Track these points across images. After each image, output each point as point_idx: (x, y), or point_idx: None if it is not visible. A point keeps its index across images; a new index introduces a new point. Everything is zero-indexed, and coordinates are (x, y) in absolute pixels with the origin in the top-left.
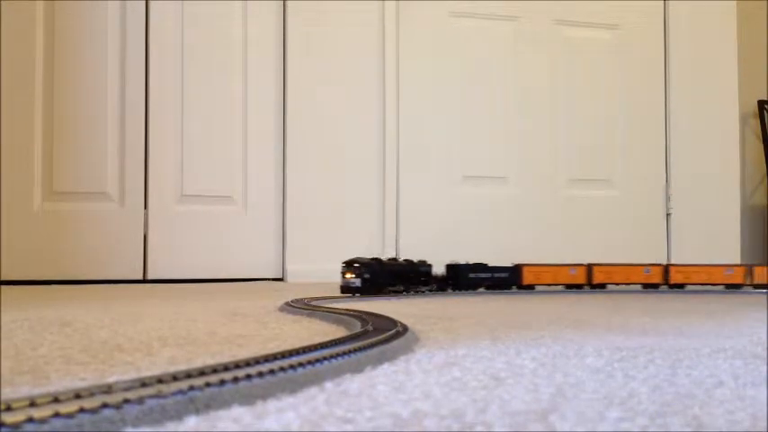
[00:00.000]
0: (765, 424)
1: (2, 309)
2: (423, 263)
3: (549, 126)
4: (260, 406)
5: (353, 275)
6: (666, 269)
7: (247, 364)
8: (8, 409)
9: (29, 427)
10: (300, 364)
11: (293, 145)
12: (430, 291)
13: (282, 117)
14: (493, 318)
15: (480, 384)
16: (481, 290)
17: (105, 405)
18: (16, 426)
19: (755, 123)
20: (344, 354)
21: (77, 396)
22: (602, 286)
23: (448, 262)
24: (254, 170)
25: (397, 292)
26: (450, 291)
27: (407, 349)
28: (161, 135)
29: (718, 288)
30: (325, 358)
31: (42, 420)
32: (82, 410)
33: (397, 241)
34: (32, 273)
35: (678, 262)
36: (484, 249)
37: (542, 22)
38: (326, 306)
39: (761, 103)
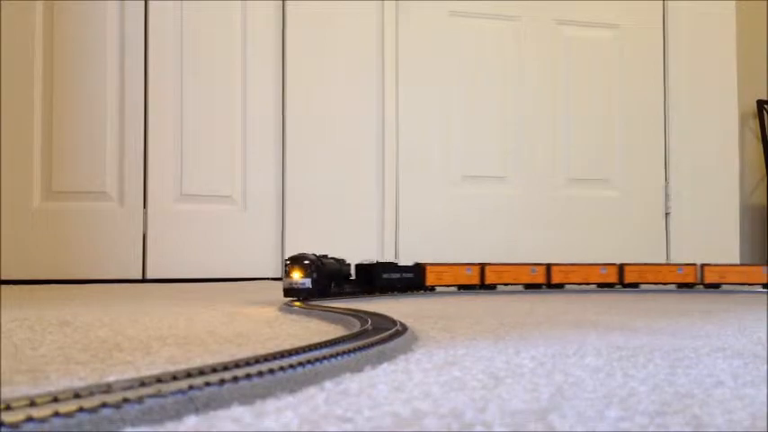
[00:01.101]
0: (765, 424)
1: (1, 308)
2: (343, 261)
3: (549, 125)
4: (259, 405)
5: (303, 275)
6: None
7: (247, 363)
8: (8, 408)
9: (28, 426)
10: (300, 364)
11: (292, 144)
12: (350, 293)
13: (282, 116)
14: (492, 317)
15: (480, 384)
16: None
17: (105, 404)
18: (16, 425)
19: (755, 123)
20: (344, 353)
21: (77, 395)
22: (492, 287)
23: (358, 261)
24: (254, 170)
25: (340, 295)
26: (362, 295)
27: (407, 349)
28: (160, 134)
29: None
30: (324, 357)
31: (42, 420)
32: (81, 410)
33: (396, 241)
34: (32, 272)
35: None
36: (483, 249)
37: (542, 22)
38: (325, 305)
39: (760, 103)
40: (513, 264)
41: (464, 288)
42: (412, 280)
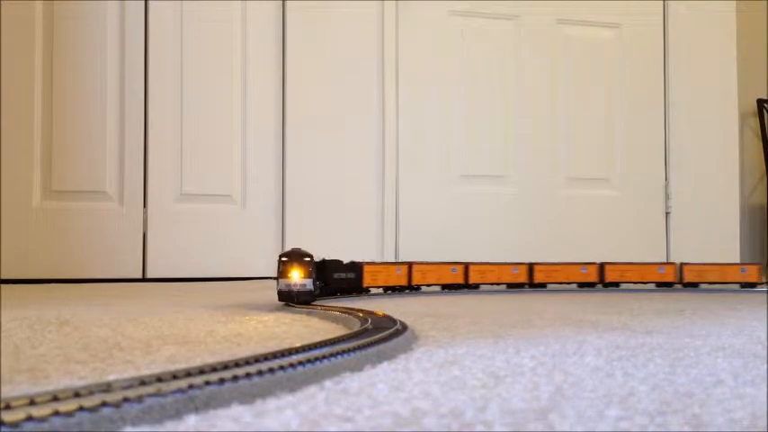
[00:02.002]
0: (765, 423)
1: (1, 307)
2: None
3: (549, 125)
4: (259, 404)
5: (304, 274)
6: (602, 267)
7: (247, 362)
8: (8, 407)
9: (28, 425)
10: (300, 363)
11: (292, 144)
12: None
13: (281, 116)
14: (492, 316)
15: (480, 383)
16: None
17: (105, 404)
18: (16, 424)
19: (755, 122)
20: (344, 352)
21: (77, 395)
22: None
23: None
24: (254, 169)
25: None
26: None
27: (407, 348)
28: (160, 134)
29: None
30: (324, 357)
31: (42, 419)
32: (81, 409)
33: (396, 240)
34: (31, 271)
35: (675, 261)
36: (483, 248)
37: (542, 21)
38: (326, 304)
39: (760, 102)
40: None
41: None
42: (351, 280)
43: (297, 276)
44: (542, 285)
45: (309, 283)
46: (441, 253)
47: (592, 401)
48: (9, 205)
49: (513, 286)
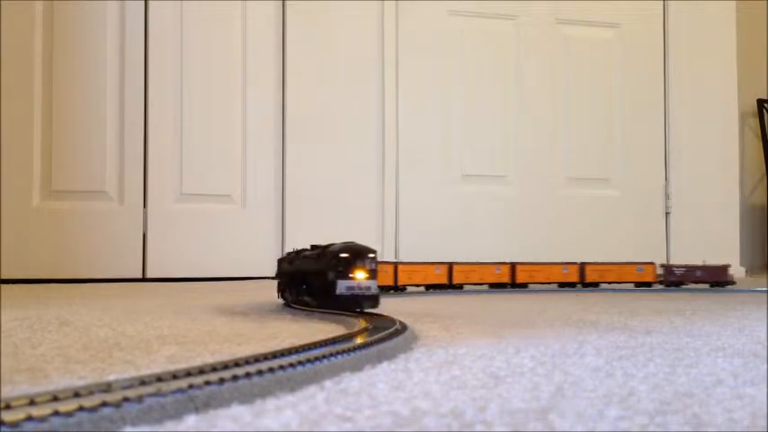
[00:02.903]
0: (765, 423)
1: (1, 307)
2: None
3: (549, 125)
4: (259, 404)
5: (368, 275)
6: (582, 267)
7: (247, 362)
8: (8, 407)
9: (28, 425)
10: (300, 363)
11: (292, 144)
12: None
13: (281, 116)
14: (492, 316)
15: (480, 383)
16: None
17: (104, 403)
18: (16, 424)
19: (755, 122)
20: (344, 352)
21: (77, 394)
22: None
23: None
24: (254, 169)
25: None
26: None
27: (407, 348)
28: (160, 134)
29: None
30: (324, 356)
31: (42, 419)
32: (81, 409)
33: (396, 240)
34: (31, 271)
35: (676, 261)
36: (483, 248)
37: (542, 21)
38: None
39: (760, 102)
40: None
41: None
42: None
43: (361, 277)
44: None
45: (374, 285)
46: (441, 253)
47: (592, 401)
48: (9, 205)
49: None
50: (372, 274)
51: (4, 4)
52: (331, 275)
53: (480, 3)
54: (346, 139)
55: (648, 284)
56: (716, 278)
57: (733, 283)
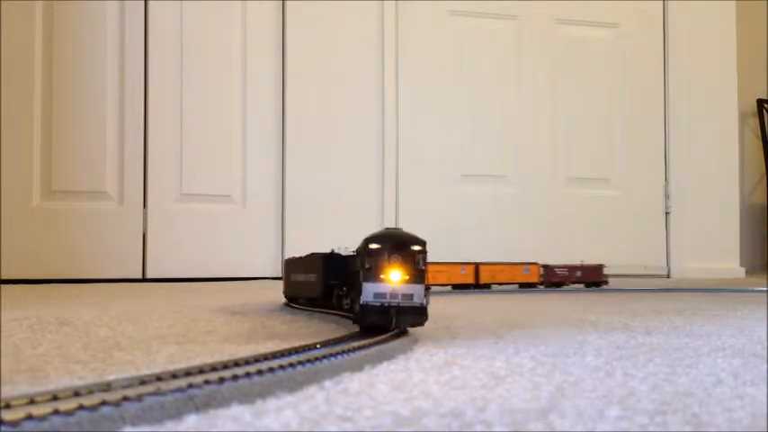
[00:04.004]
0: (765, 423)
1: (1, 307)
2: None
3: (549, 125)
4: (259, 404)
5: (411, 277)
6: (477, 268)
7: (246, 362)
8: (7, 406)
9: (28, 424)
10: (300, 363)
11: (292, 144)
12: None
13: (281, 116)
14: (492, 316)
15: (480, 383)
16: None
17: (104, 403)
18: (16, 423)
19: (754, 122)
20: (344, 352)
21: (77, 394)
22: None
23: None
24: (253, 169)
25: None
26: None
27: (407, 348)
28: (160, 134)
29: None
30: (324, 357)
31: (42, 418)
32: (81, 408)
33: None
34: (31, 272)
35: (675, 261)
36: (483, 248)
37: (542, 21)
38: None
39: (760, 102)
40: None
41: None
42: None
43: (397, 279)
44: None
45: (420, 293)
46: (441, 253)
47: (592, 401)
48: (9, 205)
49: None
50: (417, 276)
51: (4, 4)
52: (360, 276)
53: (480, 3)
54: (346, 139)
55: (533, 285)
56: (592, 278)
57: (606, 283)
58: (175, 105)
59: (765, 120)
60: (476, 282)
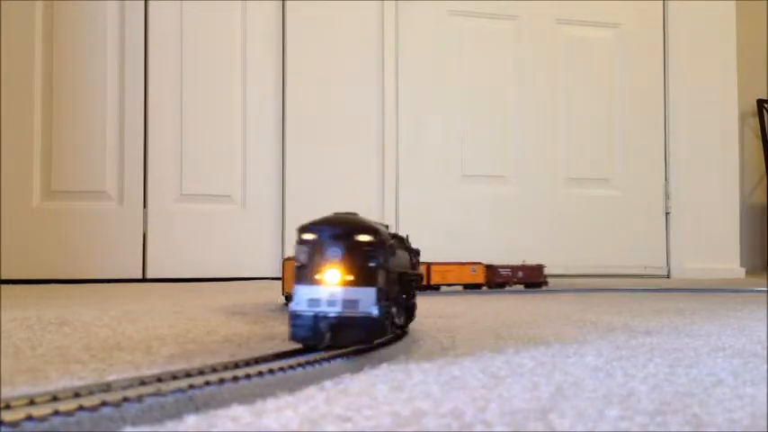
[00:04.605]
0: (765, 423)
1: (1, 308)
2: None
3: (549, 125)
4: (259, 405)
5: (358, 278)
6: (429, 268)
7: (247, 363)
8: (8, 407)
9: (28, 425)
10: (300, 365)
11: (292, 144)
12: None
13: (281, 116)
14: (492, 316)
15: (480, 383)
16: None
17: (104, 403)
18: (16, 424)
19: (755, 122)
20: (344, 354)
21: (77, 395)
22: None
23: None
24: (253, 169)
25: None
26: None
27: (407, 348)
28: (160, 134)
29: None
30: (324, 359)
31: (42, 418)
32: (81, 409)
33: None
34: (31, 272)
35: (675, 261)
36: (484, 248)
37: (542, 21)
38: None
39: (760, 102)
40: None
41: None
42: None
43: (335, 280)
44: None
45: (370, 299)
46: (441, 253)
47: (592, 401)
48: (9, 205)
49: None
50: (366, 277)
51: (4, 4)
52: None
53: (480, 3)
54: (346, 138)
55: (479, 286)
56: (532, 279)
57: (546, 284)
58: (175, 105)
59: (765, 120)
60: (427, 283)
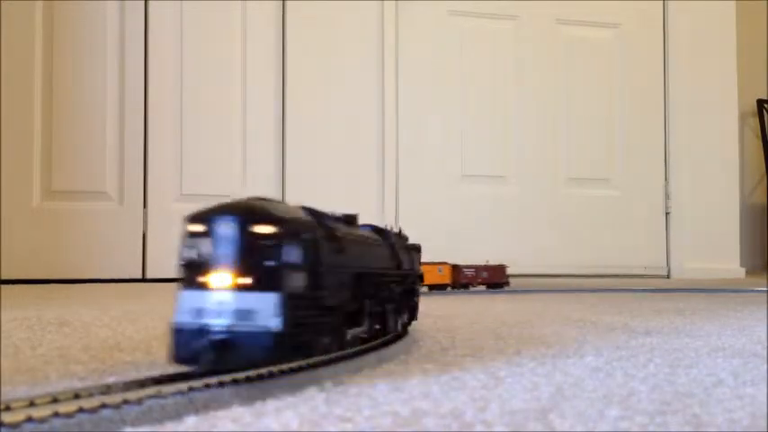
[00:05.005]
0: (765, 423)
1: (1, 308)
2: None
3: (549, 125)
4: (259, 405)
5: (260, 279)
6: (455, 269)
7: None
8: (8, 408)
9: (28, 426)
10: (300, 368)
11: (292, 144)
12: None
13: (281, 116)
14: (491, 317)
15: (480, 383)
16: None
17: (104, 405)
18: (16, 425)
19: (755, 122)
20: (344, 353)
21: (77, 396)
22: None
23: None
24: (253, 169)
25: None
26: None
27: (406, 348)
28: (160, 134)
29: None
30: (323, 363)
31: (42, 420)
32: (81, 410)
33: None
34: (31, 272)
35: (675, 261)
36: (484, 248)
37: (542, 21)
38: None
39: (760, 103)
40: None
41: None
42: None
43: (225, 282)
44: None
45: (269, 307)
46: (441, 253)
47: (592, 402)
48: (9, 205)
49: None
50: (265, 279)
51: (4, 4)
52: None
53: (480, 3)
54: (346, 139)
55: (444, 287)
56: (495, 279)
57: (507, 284)
58: (175, 105)
59: (765, 120)
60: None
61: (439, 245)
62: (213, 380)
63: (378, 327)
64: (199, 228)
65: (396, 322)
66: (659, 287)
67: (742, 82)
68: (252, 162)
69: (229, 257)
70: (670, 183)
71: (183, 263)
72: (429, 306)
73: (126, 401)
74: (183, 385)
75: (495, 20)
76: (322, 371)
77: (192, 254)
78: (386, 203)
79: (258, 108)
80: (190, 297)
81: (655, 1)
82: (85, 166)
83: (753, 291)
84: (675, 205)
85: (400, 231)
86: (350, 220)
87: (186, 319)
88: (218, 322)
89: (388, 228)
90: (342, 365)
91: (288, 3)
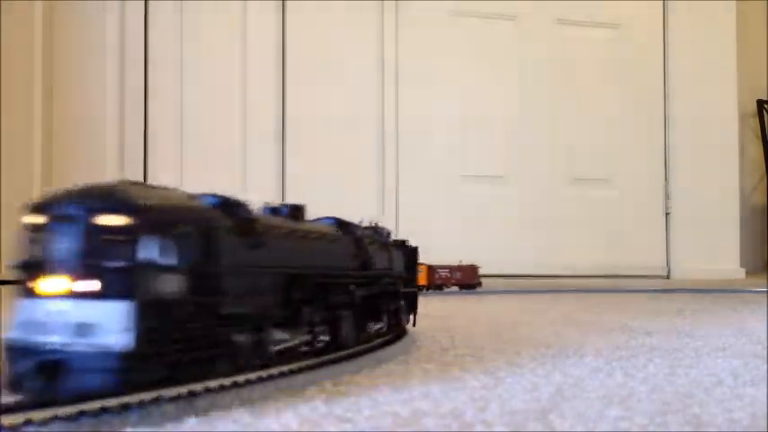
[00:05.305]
0: (765, 423)
1: (1, 308)
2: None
3: (549, 125)
4: (259, 406)
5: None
6: (430, 269)
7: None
8: (8, 410)
9: (28, 429)
10: (300, 369)
11: (292, 144)
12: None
13: (282, 117)
14: (490, 317)
15: (480, 383)
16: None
17: (105, 409)
18: (16, 428)
19: (755, 122)
20: (344, 356)
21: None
22: None
23: None
24: (253, 169)
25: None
26: None
27: (406, 348)
28: (160, 134)
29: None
30: (323, 363)
31: (42, 423)
32: (82, 414)
33: None
34: None
35: (675, 261)
36: (484, 248)
37: (542, 21)
38: None
39: (760, 103)
40: None
41: None
42: None
43: (61, 287)
44: None
45: (118, 320)
46: (442, 253)
47: (592, 402)
48: (9, 205)
49: None
50: (114, 282)
51: (4, 4)
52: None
53: (480, 3)
54: (346, 139)
55: (419, 288)
56: (466, 280)
57: (479, 285)
58: (175, 105)
59: (765, 120)
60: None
61: (439, 244)
62: (213, 384)
63: (327, 338)
64: (38, 219)
65: (356, 331)
66: (659, 287)
67: (742, 82)
68: (252, 162)
69: (68, 256)
70: (670, 183)
71: (17, 264)
72: (428, 306)
73: (126, 405)
74: (183, 389)
75: (495, 20)
76: (322, 371)
77: (29, 252)
78: (386, 203)
79: (258, 108)
80: (25, 307)
81: (655, 1)
82: (85, 166)
83: (753, 291)
84: (675, 205)
85: (377, 226)
86: (295, 212)
87: (17, 334)
88: (50, 339)
89: (362, 222)
90: (342, 366)
91: (288, 3)
